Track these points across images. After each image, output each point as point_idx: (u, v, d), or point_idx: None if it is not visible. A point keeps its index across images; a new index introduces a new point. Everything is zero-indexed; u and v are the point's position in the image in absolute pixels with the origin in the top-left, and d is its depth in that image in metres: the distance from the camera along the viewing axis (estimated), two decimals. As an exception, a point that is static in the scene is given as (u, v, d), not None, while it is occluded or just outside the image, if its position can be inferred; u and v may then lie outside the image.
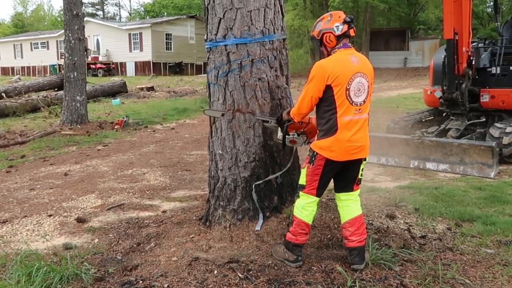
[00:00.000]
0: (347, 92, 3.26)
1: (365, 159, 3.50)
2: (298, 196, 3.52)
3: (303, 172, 3.49)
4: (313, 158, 3.39)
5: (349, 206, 3.53)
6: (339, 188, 3.58)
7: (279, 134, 3.89)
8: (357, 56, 3.38)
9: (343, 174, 3.48)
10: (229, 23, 3.93)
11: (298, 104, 3.44)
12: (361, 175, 3.57)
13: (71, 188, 6.32)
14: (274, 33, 4.04)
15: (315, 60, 3.47)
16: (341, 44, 3.38)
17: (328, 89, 3.26)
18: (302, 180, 3.49)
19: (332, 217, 4.21)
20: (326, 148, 3.32)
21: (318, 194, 3.46)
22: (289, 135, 3.79)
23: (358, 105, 3.32)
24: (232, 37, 3.93)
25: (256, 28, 3.94)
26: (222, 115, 4.03)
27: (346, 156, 3.33)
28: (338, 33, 3.34)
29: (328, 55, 3.42)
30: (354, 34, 3.44)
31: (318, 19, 3.50)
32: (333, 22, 3.36)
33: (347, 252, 3.53)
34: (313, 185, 3.42)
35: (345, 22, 3.35)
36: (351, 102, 3.28)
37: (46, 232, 4.60)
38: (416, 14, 39.88)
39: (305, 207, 3.46)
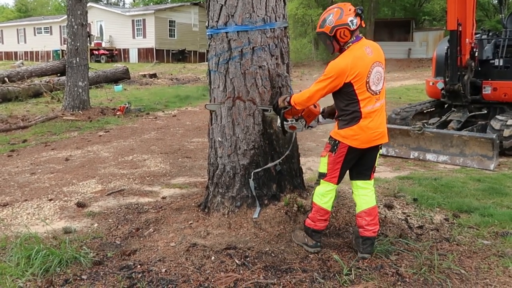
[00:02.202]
0: (367, 84, 3.30)
1: (381, 147, 3.54)
2: (319, 183, 3.55)
3: (324, 160, 3.50)
4: (335, 147, 3.41)
5: (367, 195, 3.57)
6: (355, 175, 3.60)
7: (279, 122, 3.89)
8: (370, 46, 3.39)
9: (361, 161, 3.51)
10: (231, 10, 3.91)
11: (310, 94, 3.41)
12: (377, 163, 3.62)
13: (72, 173, 6.36)
14: (276, 21, 4.03)
15: (320, 51, 3.45)
16: (354, 38, 3.36)
17: (348, 85, 3.28)
18: (323, 169, 3.51)
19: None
20: (350, 136, 3.35)
21: (338, 182, 3.51)
22: (287, 121, 3.77)
23: (378, 93, 3.37)
24: (233, 24, 3.92)
25: (258, 16, 3.92)
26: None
27: (368, 143, 3.38)
28: (353, 27, 3.31)
29: (340, 49, 3.40)
30: (364, 25, 3.45)
31: (325, 13, 3.41)
32: (346, 16, 3.30)
33: (358, 240, 3.53)
34: (334, 173, 3.46)
35: (357, 14, 3.33)
36: (372, 93, 3.33)
37: (46, 216, 4.64)
38: (421, 5, 39.53)
39: (324, 194, 3.50)
